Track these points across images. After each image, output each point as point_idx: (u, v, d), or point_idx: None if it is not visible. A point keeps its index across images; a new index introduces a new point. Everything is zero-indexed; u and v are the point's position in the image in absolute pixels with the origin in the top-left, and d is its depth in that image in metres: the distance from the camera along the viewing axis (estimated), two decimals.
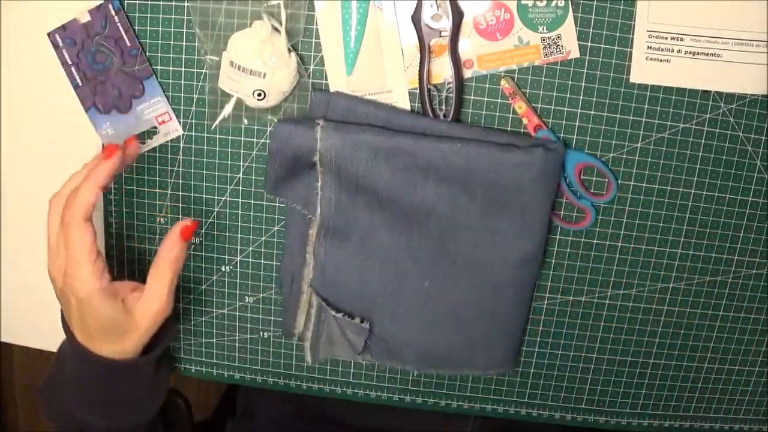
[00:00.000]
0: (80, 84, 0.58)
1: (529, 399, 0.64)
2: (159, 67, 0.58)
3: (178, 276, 0.54)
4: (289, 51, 0.55)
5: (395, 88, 0.56)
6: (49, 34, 0.57)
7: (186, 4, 0.56)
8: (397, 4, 0.54)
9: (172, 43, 0.57)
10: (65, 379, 0.56)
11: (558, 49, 0.54)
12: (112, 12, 0.56)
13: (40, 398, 0.58)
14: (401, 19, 0.55)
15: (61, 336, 0.57)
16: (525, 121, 0.56)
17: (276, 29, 0.54)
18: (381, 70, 0.56)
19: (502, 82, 0.55)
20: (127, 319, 0.52)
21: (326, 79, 0.57)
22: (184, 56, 0.57)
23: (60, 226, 0.51)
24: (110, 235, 0.64)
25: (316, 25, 0.55)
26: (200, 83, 0.58)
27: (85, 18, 0.57)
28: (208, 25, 0.55)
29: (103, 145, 0.58)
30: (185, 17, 0.56)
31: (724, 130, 0.56)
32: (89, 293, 0.50)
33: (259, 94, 0.55)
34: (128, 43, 0.57)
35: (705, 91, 0.55)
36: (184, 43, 0.57)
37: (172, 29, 0.57)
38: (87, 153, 0.62)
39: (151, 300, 0.53)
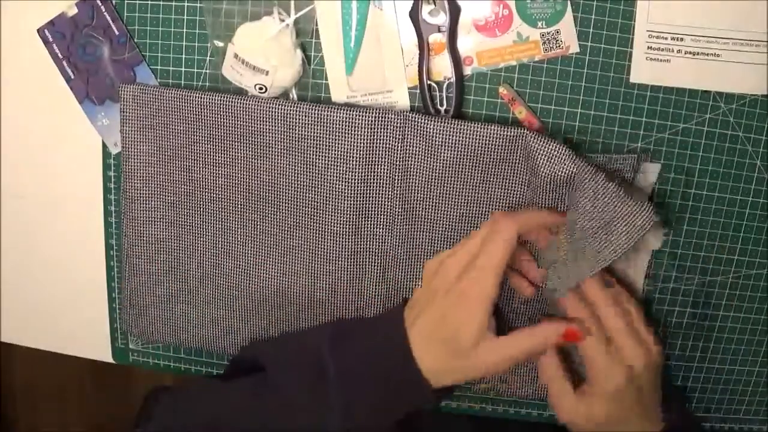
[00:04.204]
0: (72, 77, 0.59)
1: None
2: (160, 65, 0.58)
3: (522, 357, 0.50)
4: (296, 49, 0.55)
5: (395, 88, 0.56)
6: (38, 30, 0.58)
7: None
8: (396, 4, 0.54)
9: (172, 35, 0.57)
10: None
11: (557, 44, 0.54)
12: (99, 2, 0.57)
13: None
14: (401, 19, 0.55)
15: (59, 335, 0.57)
16: (526, 125, 0.55)
17: (286, 25, 0.54)
18: (381, 70, 0.56)
19: (500, 88, 0.55)
20: (471, 348, 0.49)
21: (326, 79, 0.57)
22: (184, 43, 0.58)
23: (489, 228, 0.49)
24: (110, 235, 0.64)
25: (316, 25, 0.55)
26: (195, 68, 0.58)
27: (73, 11, 0.57)
28: (220, 13, 0.56)
29: None
30: (185, 9, 0.56)
31: (724, 130, 0.56)
32: (481, 296, 0.48)
33: (261, 88, 0.55)
34: (116, 32, 0.57)
35: (705, 91, 0.55)
36: (185, 31, 0.57)
37: (173, 20, 0.57)
38: (84, 148, 0.62)
39: (501, 348, 0.50)
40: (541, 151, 0.50)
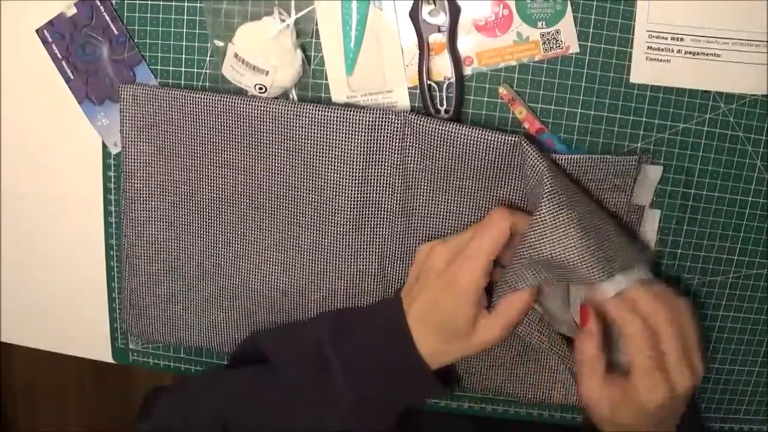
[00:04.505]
0: (72, 77, 0.59)
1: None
2: (160, 65, 0.58)
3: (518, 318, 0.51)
4: (296, 49, 0.55)
5: (395, 88, 0.56)
6: (37, 31, 0.58)
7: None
8: (396, 4, 0.54)
9: (172, 35, 0.57)
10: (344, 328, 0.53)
11: (557, 44, 0.54)
12: (98, 2, 0.57)
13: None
14: (401, 19, 0.55)
15: (59, 335, 0.57)
16: (526, 125, 0.55)
17: (286, 25, 0.54)
18: (381, 70, 0.56)
19: (500, 89, 0.55)
20: (464, 333, 0.50)
21: (326, 79, 0.57)
22: (184, 43, 0.58)
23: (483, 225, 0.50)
24: (110, 235, 0.64)
25: (316, 25, 0.55)
26: (195, 68, 0.58)
27: (72, 11, 0.57)
28: (220, 13, 0.56)
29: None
30: (185, 9, 0.56)
31: (724, 130, 0.56)
32: (470, 285, 0.49)
33: (260, 88, 0.55)
34: (115, 32, 0.57)
35: (705, 91, 0.55)
36: (185, 31, 0.57)
37: (173, 20, 0.57)
38: (84, 148, 0.62)
39: (494, 323, 0.50)
40: (528, 163, 0.50)
